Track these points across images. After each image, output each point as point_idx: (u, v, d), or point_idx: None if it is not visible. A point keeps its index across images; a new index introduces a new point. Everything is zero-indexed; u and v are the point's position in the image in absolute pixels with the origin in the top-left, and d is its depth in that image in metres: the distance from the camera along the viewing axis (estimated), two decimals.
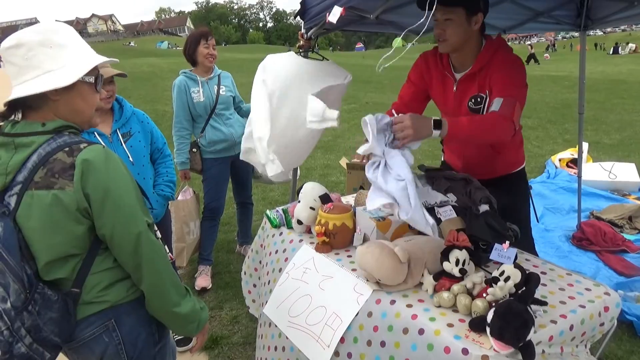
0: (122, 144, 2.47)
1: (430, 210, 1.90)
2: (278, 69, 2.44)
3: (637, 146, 7.61)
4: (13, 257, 1.27)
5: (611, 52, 37.12)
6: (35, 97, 1.32)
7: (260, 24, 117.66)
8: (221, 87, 3.51)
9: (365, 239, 1.98)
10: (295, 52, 2.62)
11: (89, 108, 1.45)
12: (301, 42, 2.63)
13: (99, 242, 1.40)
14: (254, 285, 2.56)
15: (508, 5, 2.98)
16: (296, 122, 2.38)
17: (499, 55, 2.06)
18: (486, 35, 2.14)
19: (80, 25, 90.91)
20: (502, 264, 1.52)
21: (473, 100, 2.11)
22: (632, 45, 39.10)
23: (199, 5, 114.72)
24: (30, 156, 1.31)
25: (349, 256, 2.00)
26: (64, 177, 1.30)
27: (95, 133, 2.38)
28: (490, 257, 1.54)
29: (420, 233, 1.95)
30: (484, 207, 1.88)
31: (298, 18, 2.49)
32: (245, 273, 2.63)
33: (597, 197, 4.87)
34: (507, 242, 1.54)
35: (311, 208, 2.15)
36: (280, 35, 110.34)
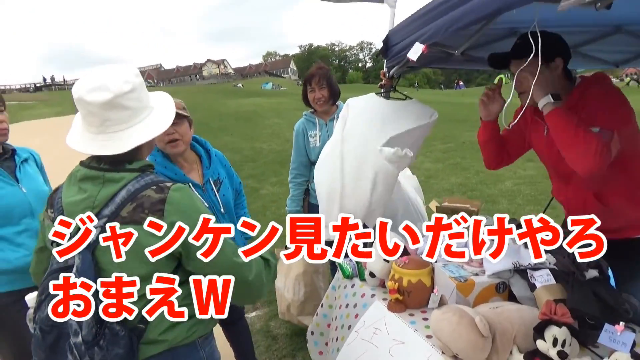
0: (215, 194, 2.29)
1: (522, 272, 1.62)
2: (359, 112, 2.39)
3: None
4: None
5: None
6: None
7: (360, 64, 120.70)
8: None
9: (442, 302, 1.73)
10: (376, 93, 2.50)
11: (152, 149, 1.52)
12: (383, 81, 2.51)
13: None
14: (326, 344, 2.30)
15: (621, 37, 2.61)
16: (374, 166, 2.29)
17: (593, 89, 1.80)
18: (582, 76, 1.89)
19: (196, 70, 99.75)
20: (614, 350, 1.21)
21: None
22: None
23: (302, 49, 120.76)
24: (119, 192, 1.32)
25: (425, 319, 1.75)
26: (153, 213, 1.29)
27: (190, 184, 2.12)
28: (599, 341, 1.23)
29: (510, 299, 1.67)
30: (592, 273, 1.55)
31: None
32: (313, 333, 2.38)
33: None
34: (622, 323, 1.23)
35: (385, 260, 1.95)
36: (378, 74, 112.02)
